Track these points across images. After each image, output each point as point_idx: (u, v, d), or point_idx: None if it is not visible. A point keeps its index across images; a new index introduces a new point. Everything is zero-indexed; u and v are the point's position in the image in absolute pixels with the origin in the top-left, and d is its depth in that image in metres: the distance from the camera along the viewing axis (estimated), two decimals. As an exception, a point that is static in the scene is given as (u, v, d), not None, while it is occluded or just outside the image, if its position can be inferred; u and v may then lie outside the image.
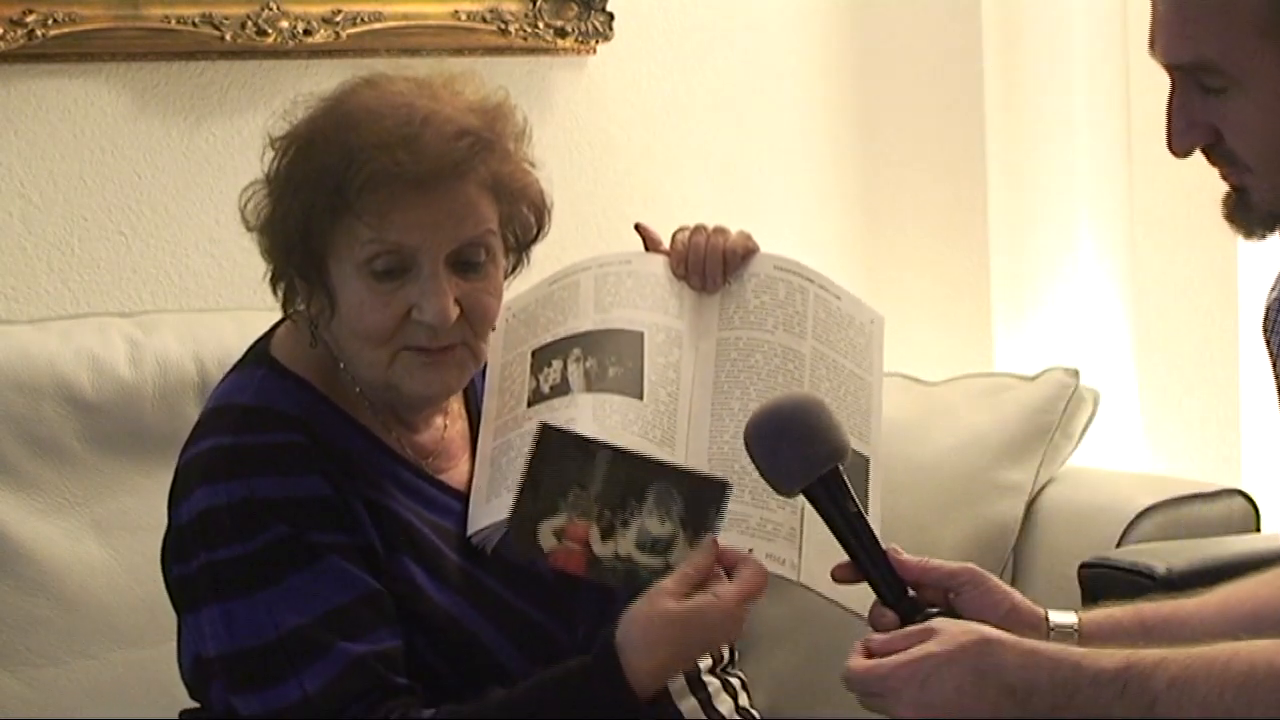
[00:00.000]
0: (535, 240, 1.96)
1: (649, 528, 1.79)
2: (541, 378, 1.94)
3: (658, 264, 2.04)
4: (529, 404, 1.93)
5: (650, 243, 2.08)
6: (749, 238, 2.04)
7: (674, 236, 2.05)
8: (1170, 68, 1.62)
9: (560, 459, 1.79)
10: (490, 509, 1.87)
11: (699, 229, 2.04)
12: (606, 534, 1.79)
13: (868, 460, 1.96)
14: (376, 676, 1.77)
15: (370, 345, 1.85)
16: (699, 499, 1.80)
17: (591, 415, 1.89)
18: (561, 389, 1.92)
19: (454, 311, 1.83)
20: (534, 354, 1.96)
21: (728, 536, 1.84)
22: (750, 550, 1.82)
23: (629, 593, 1.78)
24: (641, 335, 1.97)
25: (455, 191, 1.83)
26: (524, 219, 1.93)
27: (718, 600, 1.73)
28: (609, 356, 1.94)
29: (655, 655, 1.72)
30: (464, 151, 1.83)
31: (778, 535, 1.86)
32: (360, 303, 1.83)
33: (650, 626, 1.72)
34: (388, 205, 1.80)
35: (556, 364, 1.94)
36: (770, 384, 1.95)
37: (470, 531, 1.89)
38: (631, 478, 1.80)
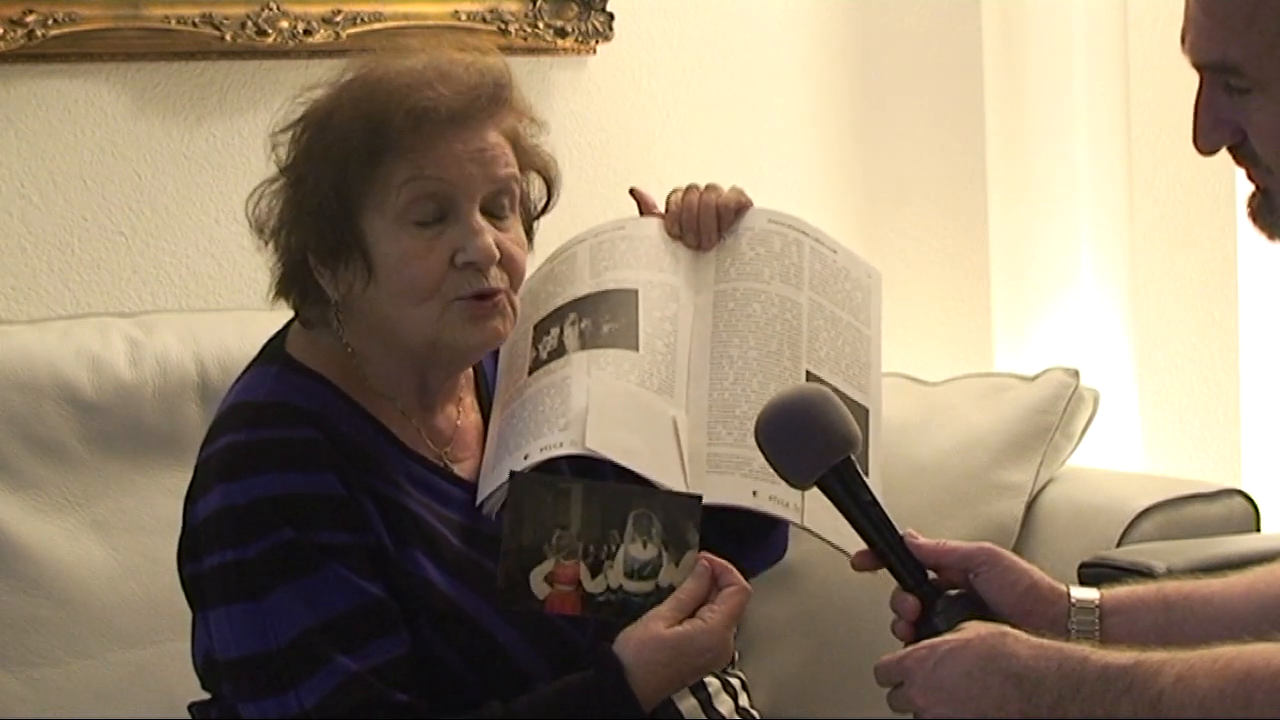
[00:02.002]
0: (544, 211, 1.99)
1: (633, 554, 1.81)
2: (540, 347, 1.96)
3: (652, 226, 2.06)
4: (529, 373, 1.95)
5: (645, 207, 2.10)
6: (741, 193, 2.06)
7: (668, 197, 2.07)
8: (1198, 66, 1.63)
9: (536, 505, 1.80)
10: (494, 475, 1.89)
11: (692, 188, 2.06)
12: (595, 570, 1.81)
13: (867, 411, 1.97)
14: (374, 693, 1.77)
15: (416, 301, 1.85)
16: (674, 516, 1.82)
17: (586, 370, 1.90)
18: (558, 352, 1.94)
19: (496, 250, 1.85)
20: (535, 328, 1.98)
21: (731, 480, 1.86)
22: (754, 493, 1.83)
23: (626, 621, 1.81)
24: (636, 292, 1.98)
25: (486, 134, 1.87)
26: (534, 189, 1.97)
27: (706, 625, 1.78)
28: (604, 315, 1.96)
29: (648, 678, 1.77)
30: (492, 89, 1.87)
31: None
32: (403, 254, 1.84)
33: (643, 650, 1.77)
34: (429, 140, 1.83)
35: (554, 331, 1.96)
36: (768, 333, 1.96)
37: (478, 501, 1.90)
38: (607, 509, 1.81)
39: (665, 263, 2.02)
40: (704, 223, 2.03)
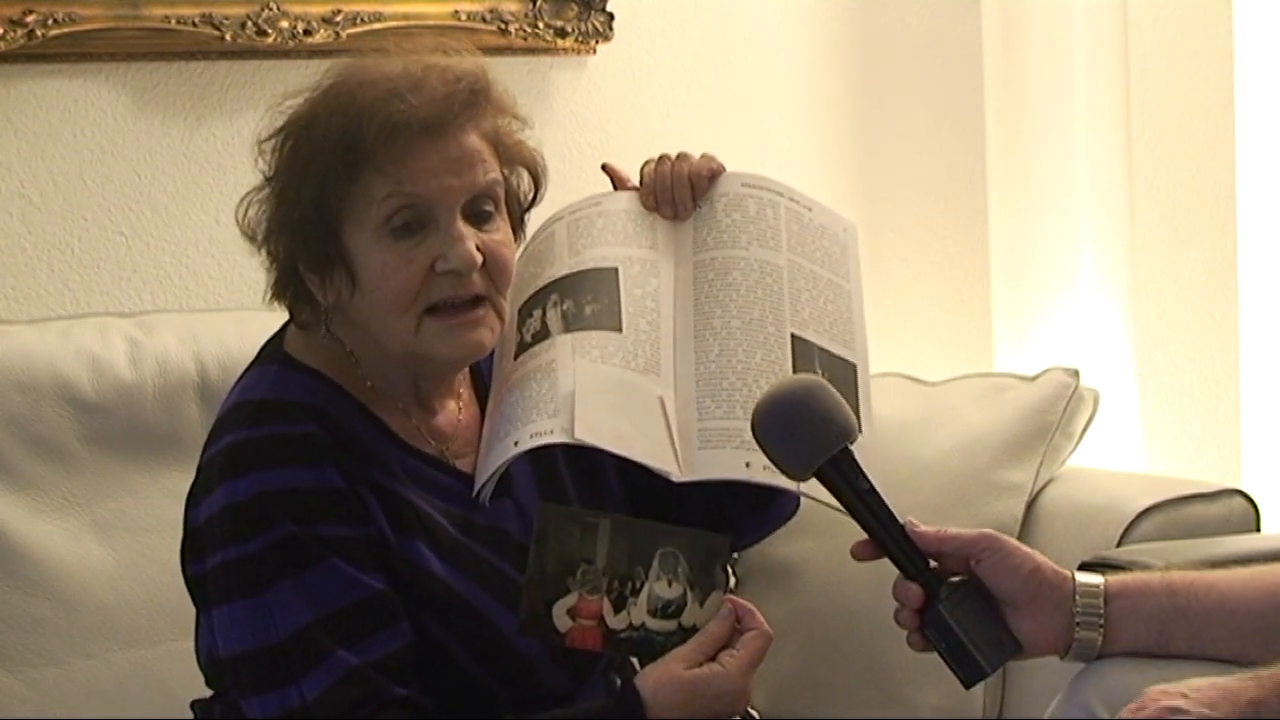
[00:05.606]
0: (533, 203, 1.99)
1: (658, 592, 1.81)
2: (524, 329, 1.96)
3: (626, 200, 2.06)
4: (515, 357, 1.95)
5: (618, 182, 2.10)
6: (712, 159, 2.06)
7: (641, 170, 2.08)
8: None
9: (562, 537, 1.81)
10: (488, 462, 1.89)
11: (663, 158, 2.07)
12: (618, 606, 1.81)
13: (854, 367, 1.97)
14: (374, 686, 1.78)
15: (396, 313, 1.85)
16: (702, 557, 1.82)
17: (571, 353, 1.90)
18: (542, 335, 1.94)
19: (478, 255, 1.85)
20: (519, 311, 1.98)
21: (723, 454, 1.86)
22: (748, 464, 1.82)
23: (645, 659, 1.81)
24: (616, 270, 1.98)
25: (463, 140, 1.86)
26: (522, 184, 1.96)
27: (724, 670, 1.79)
28: (585, 296, 1.96)
29: (663, 717, 1.77)
30: (466, 94, 1.86)
31: None
32: (383, 265, 1.84)
33: (660, 689, 1.78)
34: (403, 153, 1.82)
35: (536, 314, 1.96)
36: (750, 299, 1.96)
37: (474, 490, 1.90)
38: (635, 545, 1.82)
39: (643, 238, 2.02)
40: (678, 192, 2.04)
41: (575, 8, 3.00)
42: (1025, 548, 1.77)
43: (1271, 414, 3.02)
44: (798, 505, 2.03)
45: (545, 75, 3.01)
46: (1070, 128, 3.10)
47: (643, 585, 1.81)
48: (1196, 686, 1.59)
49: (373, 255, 1.84)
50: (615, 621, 1.81)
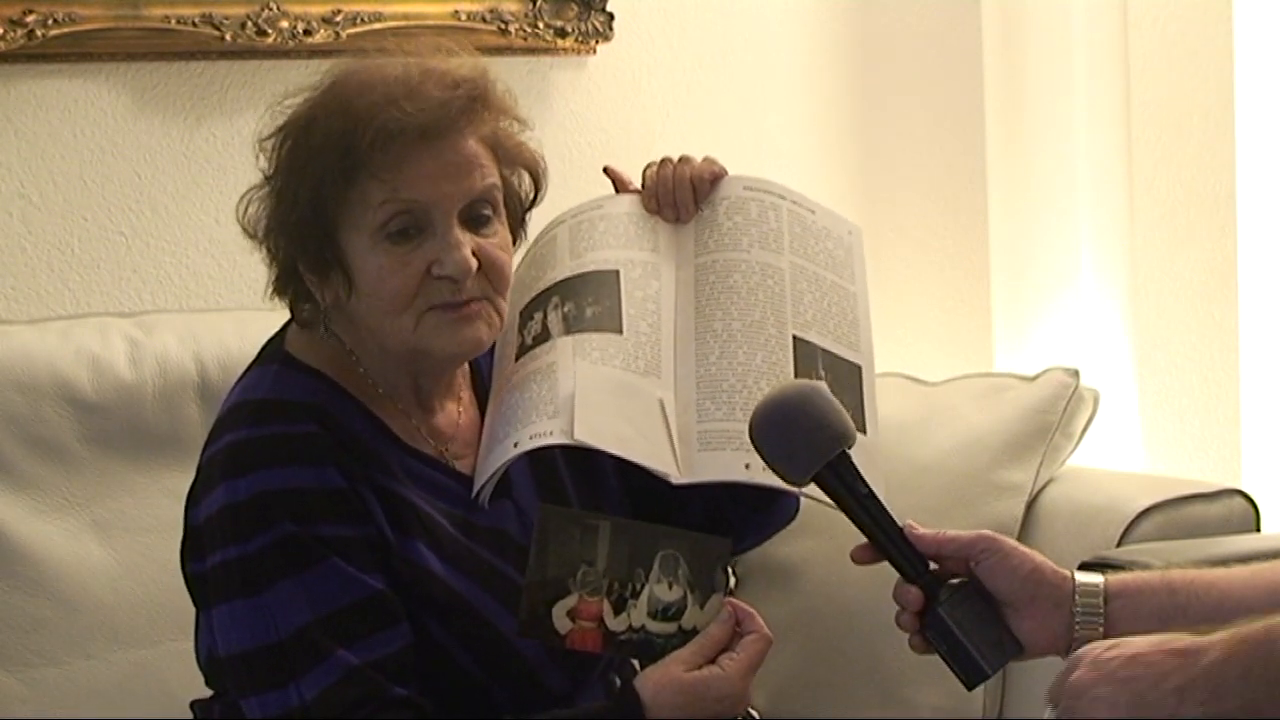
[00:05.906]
0: (534, 204, 1.98)
1: (658, 595, 1.82)
2: (525, 332, 1.96)
3: (629, 203, 2.07)
4: (516, 359, 1.95)
5: (620, 185, 2.10)
6: (714, 162, 2.07)
7: (644, 173, 2.08)
8: None
9: (563, 539, 1.81)
10: (487, 464, 1.89)
11: (665, 161, 2.07)
12: (619, 608, 1.81)
13: (859, 368, 1.97)
14: (373, 686, 1.78)
15: (394, 314, 1.86)
16: (702, 559, 1.82)
17: (571, 355, 1.91)
18: (542, 337, 1.94)
19: (474, 262, 1.85)
20: (520, 313, 1.98)
21: (722, 456, 1.86)
22: (747, 466, 1.82)
23: (645, 661, 1.81)
24: (617, 273, 1.99)
25: (460, 146, 1.86)
26: (523, 184, 1.96)
27: (724, 673, 1.79)
28: (586, 298, 1.96)
29: (662, 718, 1.77)
30: (464, 100, 1.85)
31: None
32: (379, 268, 1.84)
33: (660, 692, 1.78)
34: (399, 159, 1.82)
35: (538, 316, 1.97)
36: (750, 302, 1.97)
37: (473, 491, 1.90)
38: (635, 547, 1.82)
39: (645, 240, 2.03)
40: (680, 195, 2.05)
41: (575, 8, 3.00)
42: (1024, 548, 1.77)
43: (1271, 414, 3.02)
44: (798, 508, 2.03)
45: (545, 75, 3.01)
46: (1070, 128, 3.10)
47: (643, 587, 1.81)
48: (1133, 661, 1.58)
49: (369, 259, 1.84)
50: (615, 623, 1.81)
